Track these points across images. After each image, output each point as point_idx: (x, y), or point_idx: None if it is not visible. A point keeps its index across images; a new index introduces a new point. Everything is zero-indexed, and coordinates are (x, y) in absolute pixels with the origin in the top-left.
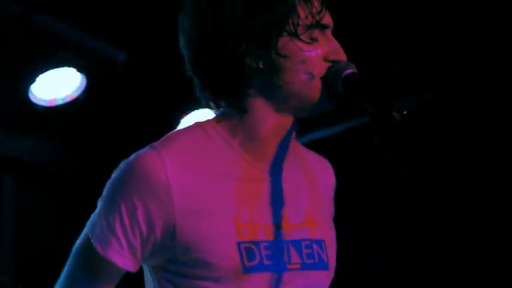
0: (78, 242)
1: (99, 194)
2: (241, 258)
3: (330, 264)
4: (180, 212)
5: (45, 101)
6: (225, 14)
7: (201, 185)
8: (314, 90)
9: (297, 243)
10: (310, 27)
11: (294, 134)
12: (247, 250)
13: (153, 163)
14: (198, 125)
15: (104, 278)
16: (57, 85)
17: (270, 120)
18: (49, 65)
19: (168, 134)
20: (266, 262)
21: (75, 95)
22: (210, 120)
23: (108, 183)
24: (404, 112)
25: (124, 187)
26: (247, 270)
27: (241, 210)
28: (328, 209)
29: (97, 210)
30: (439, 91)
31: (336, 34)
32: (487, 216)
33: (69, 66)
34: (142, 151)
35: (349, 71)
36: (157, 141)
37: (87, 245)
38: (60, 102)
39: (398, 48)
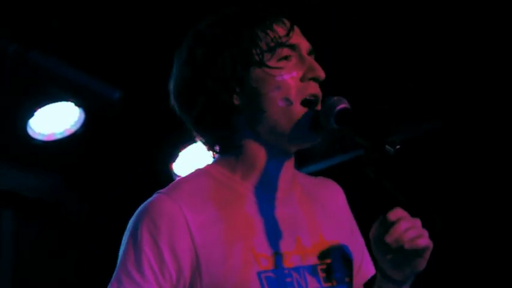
0: None
1: (97, 227)
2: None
3: (350, 284)
4: (200, 245)
5: (44, 135)
6: (195, 64)
7: (215, 221)
8: (293, 118)
9: (313, 269)
10: (273, 50)
11: (292, 163)
12: (268, 279)
13: (169, 206)
14: (199, 170)
15: None
16: (55, 119)
17: (262, 153)
18: (47, 100)
19: (173, 182)
20: None
21: (73, 129)
22: (210, 164)
23: (127, 234)
24: (397, 146)
25: (147, 234)
26: None
27: (256, 240)
28: (344, 225)
29: (120, 264)
30: (439, 121)
31: (330, 66)
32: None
33: (67, 100)
34: (153, 198)
35: (342, 106)
36: (164, 189)
37: None
38: (58, 136)
39: (393, 80)
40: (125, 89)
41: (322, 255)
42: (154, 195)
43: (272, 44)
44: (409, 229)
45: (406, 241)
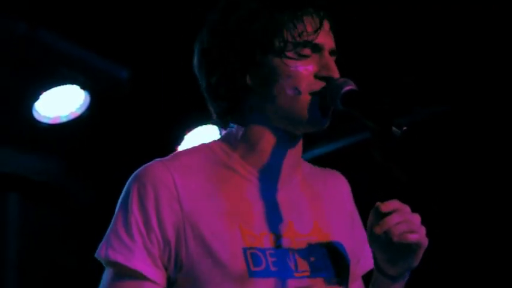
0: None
1: (103, 210)
2: (247, 263)
3: (341, 272)
4: (188, 215)
5: (49, 118)
6: (219, 36)
7: (206, 194)
8: (301, 106)
9: (304, 252)
10: (297, 45)
11: (299, 150)
12: (253, 256)
13: (161, 172)
14: (203, 144)
15: None
16: (60, 102)
17: (267, 134)
18: (53, 83)
19: (174, 152)
20: (272, 268)
21: (78, 112)
22: (215, 140)
23: (120, 198)
24: (404, 128)
25: (136, 197)
26: (252, 274)
27: (246, 218)
28: (344, 217)
29: (111, 226)
30: (447, 104)
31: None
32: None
33: (73, 83)
34: (147, 164)
35: (348, 87)
36: (163, 158)
37: (107, 270)
38: (64, 119)
39: (400, 63)
40: (132, 69)
41: (313, 242)
42: (151, 162)
43: (298, 39)
44: (400, 223)
45: (396, 234)
